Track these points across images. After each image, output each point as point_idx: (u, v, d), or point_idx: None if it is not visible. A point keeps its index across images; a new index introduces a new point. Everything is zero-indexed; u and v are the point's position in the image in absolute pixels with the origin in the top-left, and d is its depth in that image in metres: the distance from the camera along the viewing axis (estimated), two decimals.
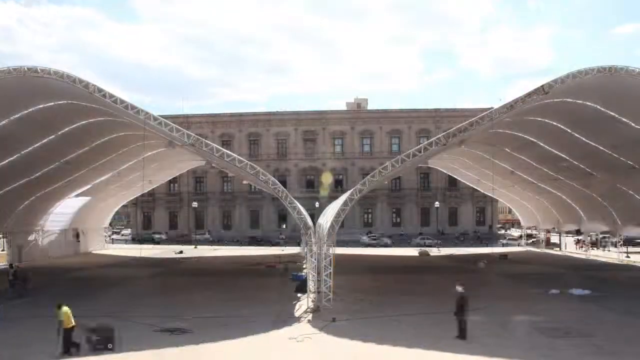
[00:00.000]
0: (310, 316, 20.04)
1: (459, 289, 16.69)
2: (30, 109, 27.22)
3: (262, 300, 24.02)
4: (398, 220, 77.15)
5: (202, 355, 15.19)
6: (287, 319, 19.94)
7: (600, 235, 54.48)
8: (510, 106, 23.06)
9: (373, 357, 15.05)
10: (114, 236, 75.43)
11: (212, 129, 77.17)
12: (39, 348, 15.31)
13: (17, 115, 27.34)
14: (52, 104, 27.16)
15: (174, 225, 78.28)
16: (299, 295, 24.46)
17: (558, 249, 53.87)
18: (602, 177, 36.19)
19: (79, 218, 48.30)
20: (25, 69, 22.54)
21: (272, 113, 79.45)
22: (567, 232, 57.21)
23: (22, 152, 31.42)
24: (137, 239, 70.55)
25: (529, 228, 59.03)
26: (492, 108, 24.56)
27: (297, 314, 20.69)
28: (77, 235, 49.47)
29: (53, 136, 31.32)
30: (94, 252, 51.78)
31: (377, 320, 19.67)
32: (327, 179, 73.48)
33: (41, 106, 27.18)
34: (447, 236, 70.08)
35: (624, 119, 27.54)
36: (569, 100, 26.47)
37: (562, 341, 16.23)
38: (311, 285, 22.15)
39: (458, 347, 15.55)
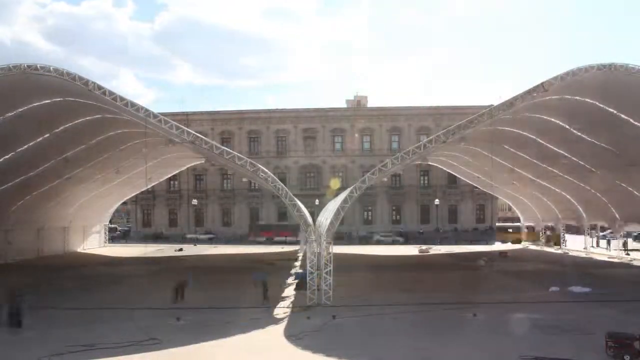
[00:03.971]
0: (310, 313, 20.04)
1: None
2: (29, 106, 27.18)
3: (260, 298, 23.98)
4: (398, 217, 77.13)
5: (201, 349, 15.22)
6: (287, 316, 19.95)
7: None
8: (510, 104, 23.11)
9: (375, 355, 15.05)
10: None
11: (212, 126, 77.03)
12: None
13: (15, 112, 27.30)
14: (51, 101, 27.15)
15: (174, 222, 78.29)
16: (299, 292, 24.46)
17: (558, 246, 53.83)
18: (602, 174, 36.20)
19: (78, 215, 48.22)
20: (25, 66, 22.48)
21: (272, 110, 79.32)
22: (568, 230, 57.15)
23: (21, 150, 31.39)
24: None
25: (528, 225, 59.06)
26: (492, 105, 24.62)
27: (296, 312, 20.68)
28: None
29: (52, 133, 31.27)
30: (86, 251, 51.04)
31: (378, 317, 19.70)
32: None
33: (40, 103, 27.17)
34: (446, 233, 70.16)
35: (623, 116, 27.58)
36: (568, 97, 26.49)
37: (561, 338, 16.25)
38: (311, 282, 22.15)
39: (457, 343, 15.57)
